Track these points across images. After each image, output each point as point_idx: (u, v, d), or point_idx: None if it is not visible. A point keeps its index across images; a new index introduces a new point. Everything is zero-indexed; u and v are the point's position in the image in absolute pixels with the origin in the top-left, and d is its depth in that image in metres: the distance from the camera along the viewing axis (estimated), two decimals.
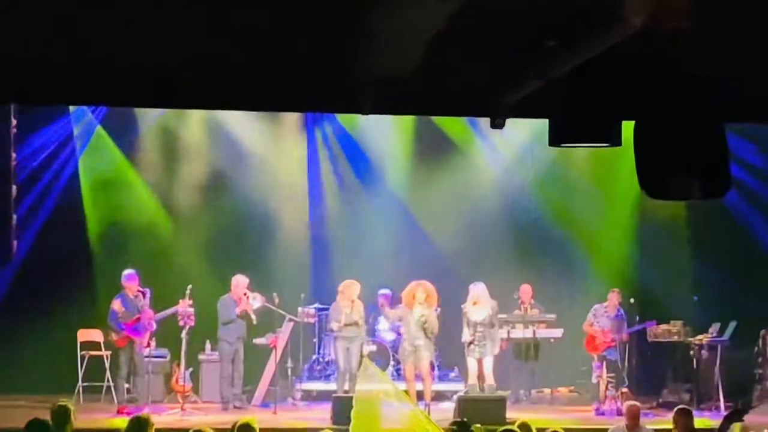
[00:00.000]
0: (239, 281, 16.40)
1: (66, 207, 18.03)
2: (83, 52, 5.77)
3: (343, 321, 16.19)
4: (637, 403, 12.35)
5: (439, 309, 17.04)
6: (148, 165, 18.36)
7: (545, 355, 17.69)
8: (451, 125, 18.92)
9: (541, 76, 5.84)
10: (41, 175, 17.53)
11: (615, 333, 16.56)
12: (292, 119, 18.65)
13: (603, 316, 16.70)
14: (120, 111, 17.57)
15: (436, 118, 17.98)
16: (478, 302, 16.20)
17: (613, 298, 16.73)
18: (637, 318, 17.07)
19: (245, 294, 16.32)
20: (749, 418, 8.38)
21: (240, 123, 18.34)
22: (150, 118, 18.16)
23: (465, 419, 9.45)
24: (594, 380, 16.84)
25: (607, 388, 16.38)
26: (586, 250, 18.70)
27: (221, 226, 18.56)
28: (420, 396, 15.35)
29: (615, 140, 6.42)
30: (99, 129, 18.08)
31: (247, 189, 18.62)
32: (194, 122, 18.30)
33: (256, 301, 16.32)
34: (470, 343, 16.13)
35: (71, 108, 17.36)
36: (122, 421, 11.28)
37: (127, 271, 16.26)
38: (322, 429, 9.82)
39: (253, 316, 16.36)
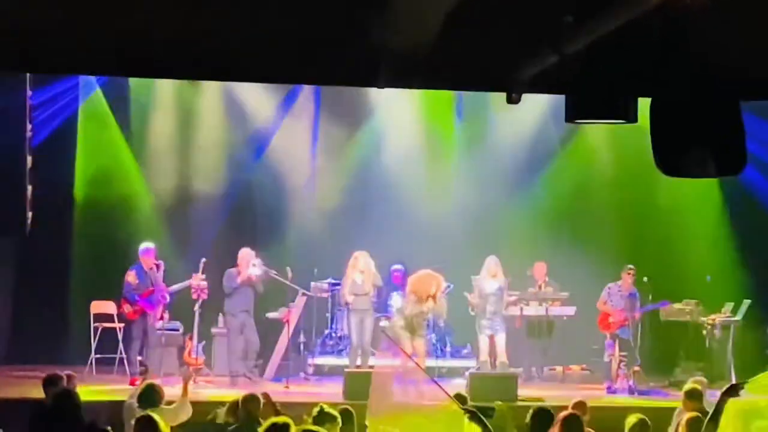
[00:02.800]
0: (245, 253, 16.39)
1: (81, 179, 18.07)
2: (97, 21, 5.77)
3: (354, 292, 16.19)
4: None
5: (451, 286, 17.03)
6: (162, 137, 18.35)
7: (558, 333, 17.69)
8: (464, 100, 18.97)
9: (558, 51, 5.81)
10: (55, 145, 17.52)
11: (628, 312, 16.55)
12: (306, 93, 18.63)
13: (617, 295, 16.67)
14: (132, 81, 17.62)
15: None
16: (496, 275, 16.24)
17: (627, 277, 16.70)
18: (650, 297, 17.04)
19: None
20: (745, 393, 8.35)
21: (254, 96, 18.34)
22: (164, 90, 18.15)
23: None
24: (606, 359, 16.85)
25: (619, 366, 16.39)
26: (601, 229, 18.66)
27: (235, 200, 18.58)
28: None
29: (631, 117, 6.39)
30: (105, 100, 18.04)
31: (260, 163, 18.65)
32: (209, 94, 18.28)
33: (256, 268, 16.25)
34: (480, 314, 16.17)
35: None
36: None
37: (144, 244, 16.30)
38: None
39: (259, 286, 16.31)
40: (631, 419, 9.53)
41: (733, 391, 8.15)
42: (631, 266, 16.82)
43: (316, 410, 9.12)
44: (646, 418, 9.57)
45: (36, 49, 6.20)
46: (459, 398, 9.05)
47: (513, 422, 8.23)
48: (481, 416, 7.46)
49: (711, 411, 8.17)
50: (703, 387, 11.80)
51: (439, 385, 7.93)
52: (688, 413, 9.77)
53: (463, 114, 19.25)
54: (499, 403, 9.59)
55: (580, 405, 10.80)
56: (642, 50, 5.94)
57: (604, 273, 17.36)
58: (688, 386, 11.08)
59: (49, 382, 10.87)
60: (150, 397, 10.45)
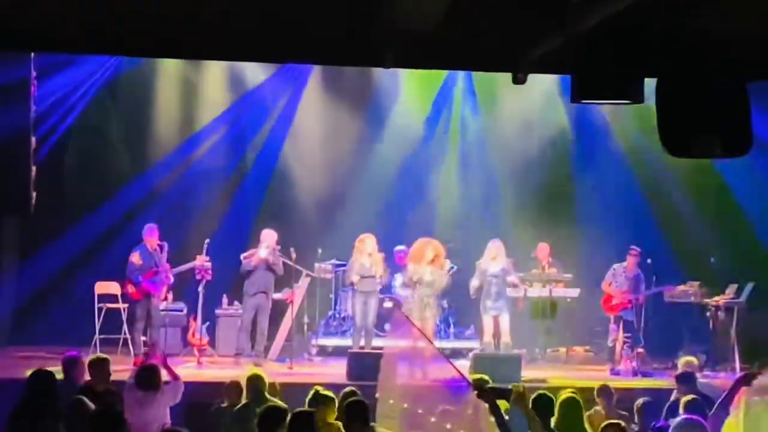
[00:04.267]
0: (266, 234, 16.35)
1: (85, 159, 18.07)
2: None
3: (361, 274, 16.17)
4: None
5: (455, 267, 17.01)
6: (166, 117, 18.32)
7: (561, 315, 17.66)
8: (470, 82, 18.96)
9: (565, 31, 5.81)
10: (59, 126, 17.50)
11: (632, 293, 16.54)
12: (311, 74, 18.58)
13: (621, 276, 16.65)
14: (137, 61, 17.58)
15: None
16: (497, 258, 16.24)
17: (632, 258, 16.67)
18: (654, 278, 17.01)
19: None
20: (758, 382, 8.36)
21: (258, 75, 18.32)
22: (168, 70, 18.12)
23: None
24: (610, 341, 16.83)
25: (622, 348, 16.38)
26: (605, 210, 18.64)
27: (240, 181, 18.57)
28: None
29: (637, 97, 6.38)
30: (109, 80, 17.99)
31: (266, 144, 18.64)
32: (214, 75, 18.25)
33: (264, 250, 16.18)
34: (484, 295, 16.16)
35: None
36: None
37: (148, 225, 16.27)
38: None
39: (278, 268, 16.23)
40: (563, 395, 9.45)
41: (747, 379, 8.15)
42: (636, 248, 16.79)
43: (312, 393, 9.18)
44: (576, 395, 9.47)
45: (36, 28, 6.20)
46: (481, 381, 8.92)
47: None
48: (488, 393, 7.44)
49: (722, 396, 8.17)
50: (693, 368, 11.82)
51: (452, 363, 7.91)
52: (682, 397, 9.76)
53: (468, 96, 19.21)
54: (517, 384, 9.54)
55: (605, 389, 10.82)
56: (648, 30, 5.93)
57: (607, 254, 17.37)
58: (680, 369, 11.06)
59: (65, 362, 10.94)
60: (148, 379, 10.44)
